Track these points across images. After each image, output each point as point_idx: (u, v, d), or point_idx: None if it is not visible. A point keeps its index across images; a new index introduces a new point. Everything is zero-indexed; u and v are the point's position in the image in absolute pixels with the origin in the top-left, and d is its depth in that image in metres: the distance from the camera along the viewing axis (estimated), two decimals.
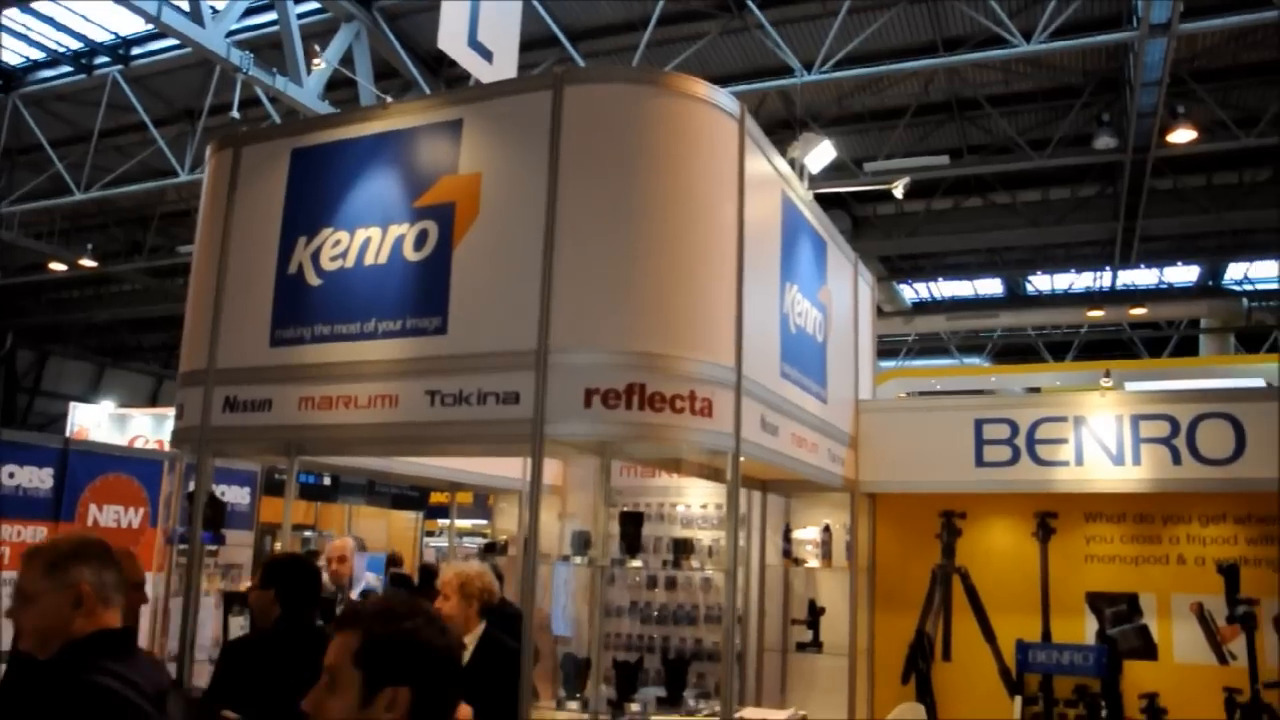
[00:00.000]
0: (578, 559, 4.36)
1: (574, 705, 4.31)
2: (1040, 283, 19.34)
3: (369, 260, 4.58)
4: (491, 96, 4.76)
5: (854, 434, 6.36)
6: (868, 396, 6.76)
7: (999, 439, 6.16)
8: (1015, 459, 6.13)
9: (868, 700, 6.53)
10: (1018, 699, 6.10)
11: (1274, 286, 18.67)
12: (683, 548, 4.84)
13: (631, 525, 4.47)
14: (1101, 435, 6.01)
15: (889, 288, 17.35)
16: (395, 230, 4.56)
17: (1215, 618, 5.89)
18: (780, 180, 5.12)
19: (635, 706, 4.41)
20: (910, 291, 19.08)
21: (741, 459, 4.53)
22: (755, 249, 4.66)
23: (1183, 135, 11.73)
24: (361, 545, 6.77)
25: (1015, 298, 19.17)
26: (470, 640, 4.85)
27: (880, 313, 17.58)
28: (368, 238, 4.61)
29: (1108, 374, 6.06)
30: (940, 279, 19.03)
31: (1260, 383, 11.09)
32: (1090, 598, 6.29)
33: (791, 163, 5.72)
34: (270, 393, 4.69)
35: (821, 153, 6.06)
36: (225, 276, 4.93)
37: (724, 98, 4.55)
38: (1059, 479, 6.08)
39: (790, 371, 5.10)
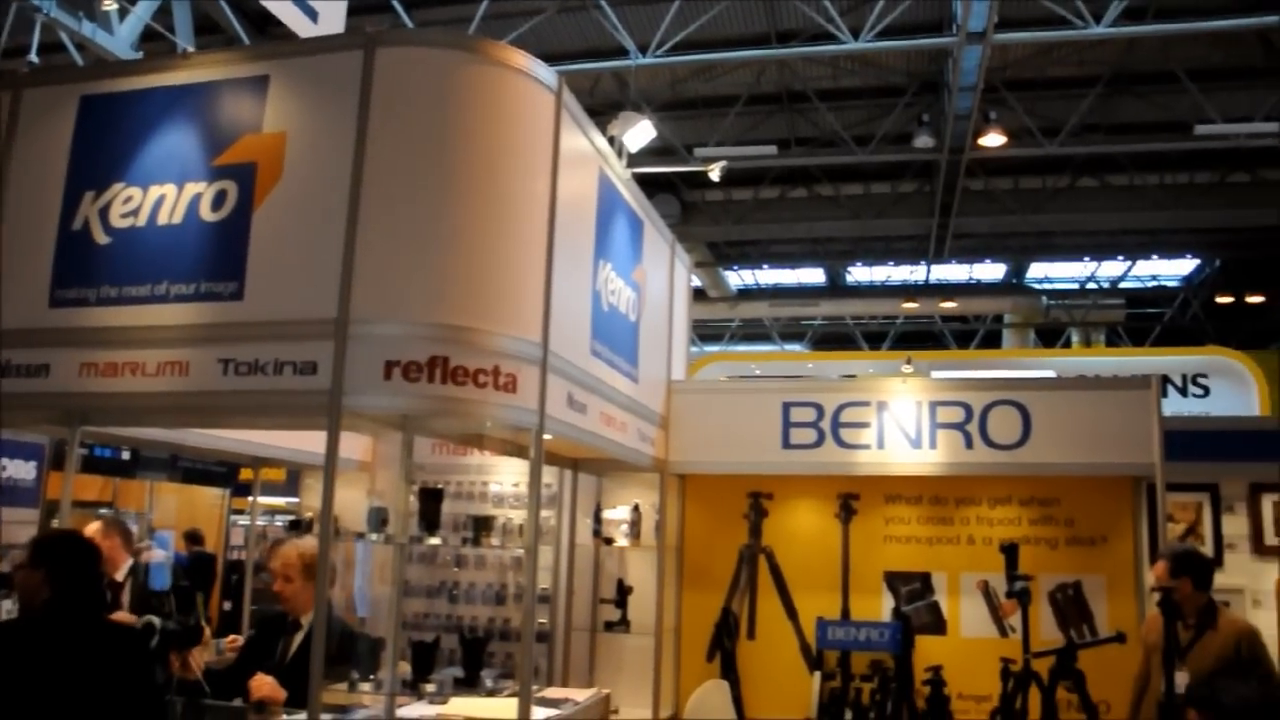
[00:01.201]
0: (374, 536, 4.24)
1: (367, 686, 4.20)
2: (859, 274, 20.02)
3: (162, 219, 4.33)
4: (300, 54, 4.56)
5: (665, 414, 6.42)
6: (680, 377, 6.83)
7: (805, 422, 6.33)
8: (820, 441, 6.31)
9: (674, 678, 6.61)
10: (817, 674, 6.29)
11: (1070, 286, 19.90)
12: (483, 525, 4.76)
13: (430, 502, 4.37)
14: (901, 420, 6.25)
15: (715, 273, 17.65)
16: (192, 189, 4.32)
17: (998, 594, 6.22)
18: (598, 157, 5.09)
19: (431, 687, 4.33)
20: (736, 278, 19.45)
21: (547, 436, 4.50)
22: (568, 224, 4.62)
23: (994, 139, 12.33)
24: (122, 526, 6.39)
25: (835, 288, 19.78)
26: (307, 621, 4.67)
27: (706, 298, 17.94)
28: (162, 195, 4.35)
29: (909, 361, 6.32)
30: (765, 266, 19.48)
31: (1051, 373, 11.78)
32: (887, 576, 6.53)
33: (611, 140, 5.69)
34: (48, 357, 4.38)
35: (640, 132, 6.06)
36: None
37: (542, 70, 4.49)
38: (861, 461, 6.29)
39: (601, 350, 5.09)
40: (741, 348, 22.10)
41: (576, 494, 6.54)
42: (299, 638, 4.66)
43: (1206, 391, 11.89)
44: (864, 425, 6.28)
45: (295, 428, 5.58)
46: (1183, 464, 6.08)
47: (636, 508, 6.48)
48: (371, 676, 4.22)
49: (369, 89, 4.14)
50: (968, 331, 22.32)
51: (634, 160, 10.27)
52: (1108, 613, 6.18)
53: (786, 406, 6.36)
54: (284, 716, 4.16)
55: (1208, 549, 6.41)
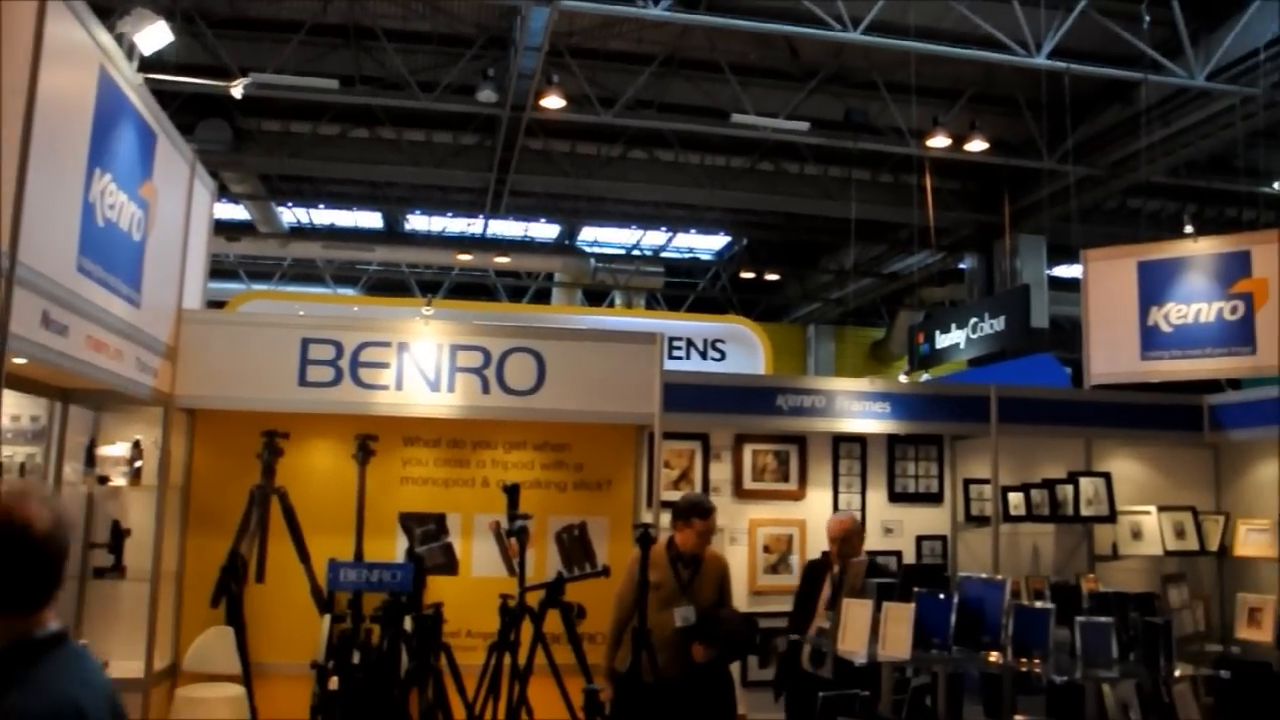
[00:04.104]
0: None
1: None
2: (417, 222, 19.90)
3: None
4: None
5: (173, 345, 5.97)
6: (196, 306, 6.41)
7: (323, 359, 6.17)
8: (338, 380, 6.19)
9: (173, 626, 6.24)
10: (327, 616, 6.20)
11: (617, 251, 21.12)
12: None
13: None
14: (421, 362, 6.29)
15: (266, 207, 16.78)
16: None
17: (507, 535, 6.46)
18: (99, 54, 4.59)
19: None
20: (289, 215, 18.62)
21: (19, 360, 4.03)
22: (53, 124, 4.11)
23: (554, 102, 12.65)
24: None
25: (393, 234, 19.53)
26: None
27: (255, 232, 17.03)
28: None
29: (429, 303, 6.38)
30: (321, 206, 18.79)
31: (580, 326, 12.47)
32: (402, 518, 6.58)
33: (119, 39, 5.16)
34: None
35: (155, 34, 5.53)
36: None
37: None
38: (379, 402, 6.25)
39: (92, 268, 4.61)
40: (292, 288, 21.19)
41: (66, 428, 5.92)
42: None
43: (723, 355, 13.08)
44: (384, 366, 6.25)
45: None
46: (680, 415, 6.65)
47: (137, 444, 6.01)
48: None
49: None
50: (521, 287, 22.98)
51: (170, 73, 9.45)
52: (609, 551, 6.65)
53: (305, 343, 6.16)
54: None
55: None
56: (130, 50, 5.32)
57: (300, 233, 18.58)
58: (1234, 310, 7.89)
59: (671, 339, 12.38)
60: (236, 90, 6.85)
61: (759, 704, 6.47)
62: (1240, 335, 7.84)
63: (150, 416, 6.04)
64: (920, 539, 7.54)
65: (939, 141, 13.47)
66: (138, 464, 6.07)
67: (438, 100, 13.30)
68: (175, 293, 6.00)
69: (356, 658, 5.98)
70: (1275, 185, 14.87)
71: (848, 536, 6.01)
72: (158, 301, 5.64)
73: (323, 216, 19.50)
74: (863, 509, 7.46)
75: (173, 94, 12.48)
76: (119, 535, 6.04)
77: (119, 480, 6.01)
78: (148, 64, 5.88)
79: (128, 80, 5.01)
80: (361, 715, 5.65)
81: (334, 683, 5.77)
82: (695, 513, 5.66)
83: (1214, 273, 8.03)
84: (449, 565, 6.62)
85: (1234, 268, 7.93)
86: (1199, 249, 8.19)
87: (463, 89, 13.26)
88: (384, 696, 5.63)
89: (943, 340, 14.97)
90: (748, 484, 7.29)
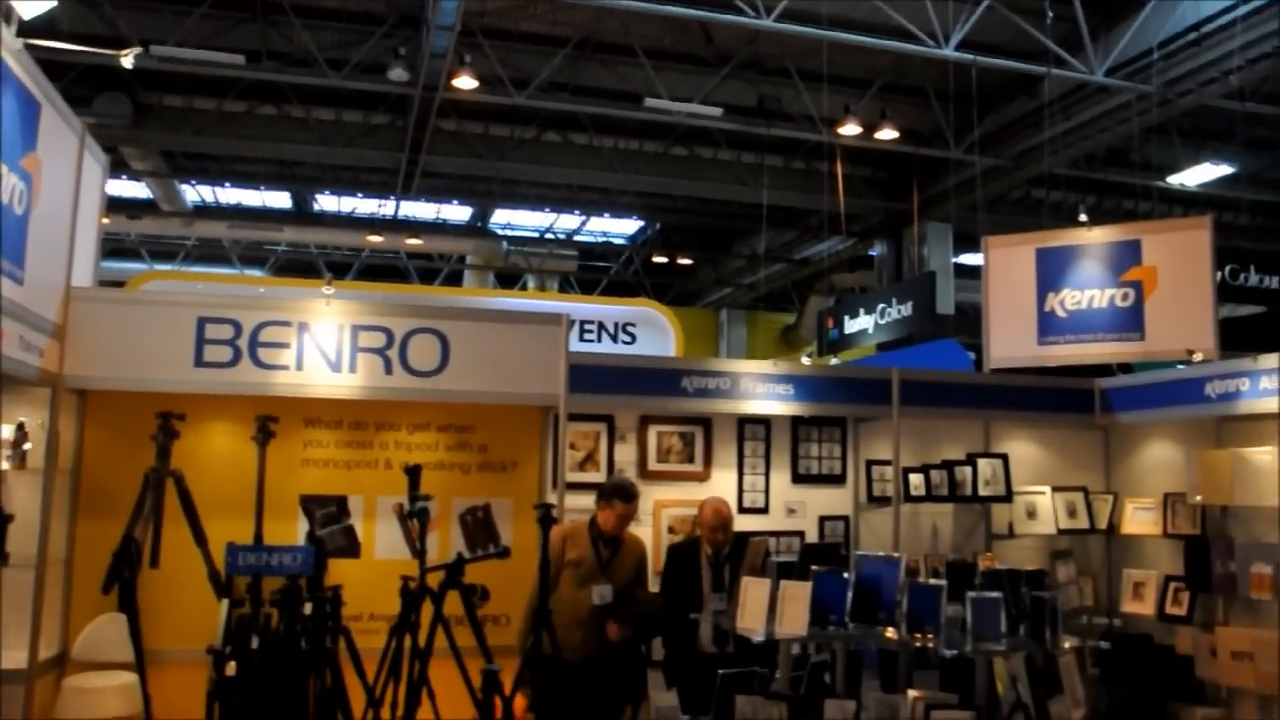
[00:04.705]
0: None
1: None
2: (327, 202, 19.55)
3: None
4: None
5: (61, 323, 5.78)
6: (87, 284, 6.21)
7: (221, 339, 6.02)
8: (236, 360, 6.04)
9: (61, 614, 6.05)
10: (225, 601, 6.07)
11: (530, 234, 21.04)
12: None
13: None
14: (323, 342, 6.18)
15: (170, 185, 16.33)
16: None
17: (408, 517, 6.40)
18: None
19: None
20: (194, 193, 18.15)
21: None
22: None
23: (466, 82, 12.55)
24: None
25: (301, 214, 19.17)
26: None
27: (159, 211, 16.58)
28: None
29: (330, 283, 6.27)
30: (227, 185, 18.36)
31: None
32: (303, 500, 6.48)
33: None
34: None
35: None
36: None
37: None
38: (279, 383, 6.12)
39: None
40: (197, 268, 20.67)
41: None
42: None
43: (634, 339, 13.11)
44: (284, 346, 6.12)
45: None
46: (585, 396, 6.66)
47: (22, 426, 5.80)
48: None
49: None
50: (433, 270, 22.75)
51: (65, 43, 9.14)
52: (513, 533, 6.63)
53: (201, 322, 6.01)
54: None
55: (601, 474, 7.08)
56: (8, 14, 5.13)
57: (205, 212, 18.14)
58: (1125, 297, 8.17)
59: (582, 322, 12.39)
60: (127, 60, 6.63)
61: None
62: (1130, 321, 8.13)
63: (37, 398, 5.83)
64: (823, 519, 7.67)
65: (850, 129, 13.67)
66: (24, 447, 5.86)
67: (347, 78, 13.10)
68: (63, 269, 5.80)
69: (255, 642, 5.88)
70: (1168, 179, 15.40)
71: (725, 524, 6.11)
72: (43, 278, 5.44)
73: (229, 195, 19.05)
74: (766, 490, 7.57)
75: (68, 65, 12.09)
76: (1, 521, 5.83)
77: (2, 464, 5.79)
78: (35, 31, 5.68)
79: (6, 46, 4.82)
80: (259, 700, 5.56)
81: (231, 668, 5.66)
82: (618, 495, 5.82)
83: (1107, 260, 8.30)
84: (350, 548, 6.53)
85: (1125, 256, 8.21)
86: (1093, 237, 8.45)
87: (373, 67, 13.07)
88: (282, 681, 5.55)
89: (851, 325, 15.22)
90: (652, 465, 7.33)
